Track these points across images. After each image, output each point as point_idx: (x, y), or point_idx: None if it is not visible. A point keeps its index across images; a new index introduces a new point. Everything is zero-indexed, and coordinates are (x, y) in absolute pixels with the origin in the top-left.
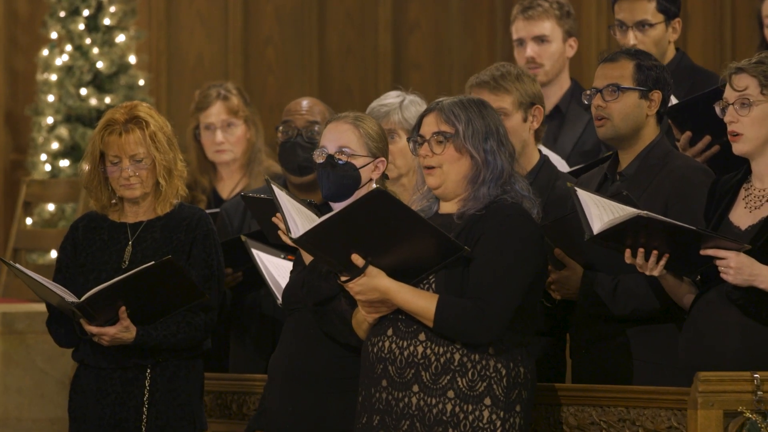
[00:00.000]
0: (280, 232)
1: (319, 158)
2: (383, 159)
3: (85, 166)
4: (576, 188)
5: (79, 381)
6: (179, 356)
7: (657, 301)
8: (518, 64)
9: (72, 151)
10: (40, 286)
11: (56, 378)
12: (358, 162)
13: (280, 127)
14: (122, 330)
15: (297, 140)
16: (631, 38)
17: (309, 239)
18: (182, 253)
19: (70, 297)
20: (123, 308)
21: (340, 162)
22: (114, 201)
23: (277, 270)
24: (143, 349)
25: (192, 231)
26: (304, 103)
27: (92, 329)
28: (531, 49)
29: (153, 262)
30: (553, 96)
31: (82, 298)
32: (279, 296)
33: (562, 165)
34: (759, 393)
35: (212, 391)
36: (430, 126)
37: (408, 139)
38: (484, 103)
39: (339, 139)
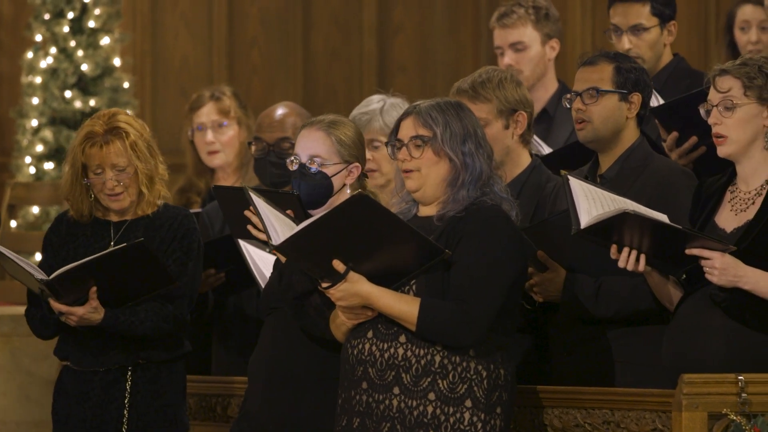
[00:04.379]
0: (249, 227)
1: (291, 166)
2: (357, 164)
3: (66, 178)
4: (569, 177)
5: (62, 383)
6: (158, 357)
7: (640, 303)
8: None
9: (56, 153)
10: (13, 264)
11: (42, 380)
12: (330, 170)
13: (252, 144)
14: (90, 311)
15: (269, 158)
16: (626, 42)
17: (290, 246)
18: (162, 250)
19: (39, 274)
20: (94, 288)
21: (311, 170)
22: (94, 210)
23: (262, 262)
24: (123, 346)
25: (174, 230)
26: (277, 114)
27: (61, 307)
28: (509, 57)
29: (125, 244)
30: (540, 99)
31: (51, 276)
32: (263, 284)
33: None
34: (743, 395)
35: (196, 394)
36: (407, 130)
37: (386, 144)
38: (461, 105)
39: (310, 147)
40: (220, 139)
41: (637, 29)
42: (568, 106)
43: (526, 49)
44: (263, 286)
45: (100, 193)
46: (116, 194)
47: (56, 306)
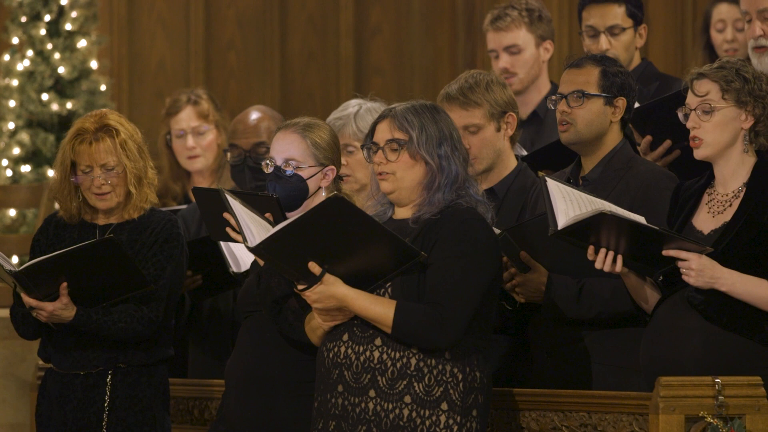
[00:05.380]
0: (228, 229)
1: (266, 169)
2: (333, 167)
3: (55, 176)
4: (546, 179)
5: (45, 386)
6: (138, 361)
7: (622, 305)
8: (495, 73)
9: (33, 156)
10: None
11: (18, 383)
12: (305, 173)
13: (228, 151)
14: (61, 307)
15: (246, 163)
16: (604, 43)
17: (266, 248)
18: (143, 254)
19: (8, 265)
20: (64, 284)
21: (287, 173)
22: (82, 211)
23: (235, 245)
24: (103, 349)
25: (157, 234)
26: (251, 119)
27: (31, 301)
28: (503, 61)
29: (95, 239)
30: (532, 101)
31: (20, 268)
32: (233, 266)
33: None
34: (720, 398)
35: (173, 397)
36: (383, 133)
37: (362, 146)
38: (436, 108)
39: (285, 150)
40: (200, 143)
41: (614, 30)
42: (553, 107)
43: (521, 52)
44: (233, 268)
45: (87, 191)
46: (103, 193)
47: (27, 300)
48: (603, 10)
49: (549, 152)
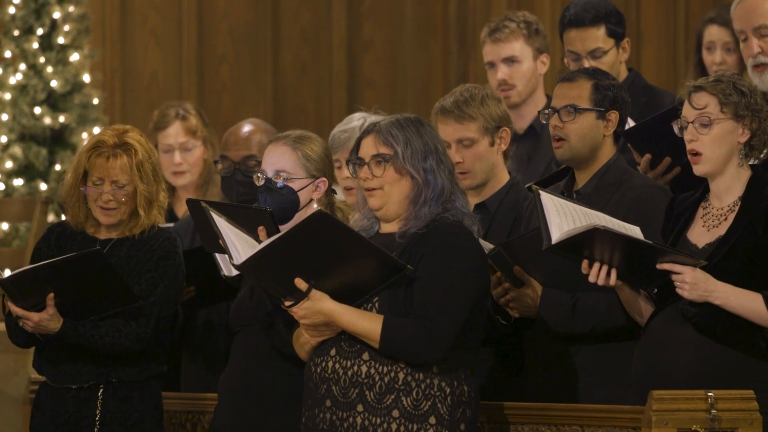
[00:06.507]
0: (221, 241)
1: (258, 182)
2: (324, 179)
3: (67, 181)
4: (540, 192)
5: (39, 399)
6: (129, 376)
7: (616, 319)
8: (491, 86)
9: (26, 170)
10: None
11: (10, 398)
12: (296, 185)
13: (219, 163)
14: (47, 318)
15: (235, 176)
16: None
17: (251, 265)
18: (138, 271)
19: None
20: (51, 295)
21: (277, 185)
22: (88, 222)
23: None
24: (95, 363)
25: (153, 251)
26: (242, 132)
27: (17, 311)
28: (502, 72)
29: (81, 251)
30: (528, 115)
31: (6, 276)
32: (224, 269)
33: None
34: (713, 411)
35: (166, 411)
36: (368, 148)
37: (347, 162)
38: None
39: (276, 162)
40: (187, 159)
41: (596, 54)
42: (545, 121)
43: (519, 64)
44: (224, 271)
45: (93, 203)
46: (109, 209)
47: (13, 309)
48: (583, 34)
49: (557, 179)
